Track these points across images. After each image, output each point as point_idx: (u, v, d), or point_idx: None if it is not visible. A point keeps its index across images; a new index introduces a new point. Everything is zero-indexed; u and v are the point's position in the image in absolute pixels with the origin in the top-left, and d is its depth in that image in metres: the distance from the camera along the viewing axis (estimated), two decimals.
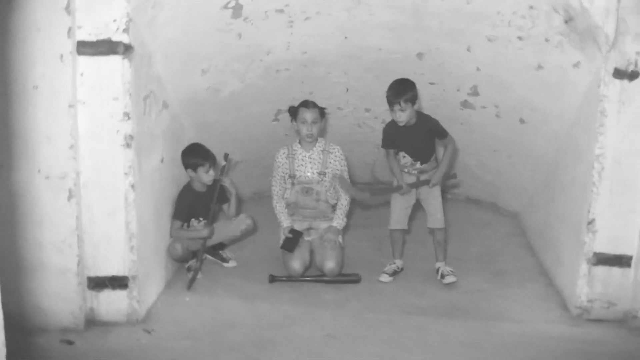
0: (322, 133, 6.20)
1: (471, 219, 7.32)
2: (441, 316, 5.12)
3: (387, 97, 5.43)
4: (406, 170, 5.78)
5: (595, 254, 4.89)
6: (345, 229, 6.38)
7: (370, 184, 5.68)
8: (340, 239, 5.97)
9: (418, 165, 5.72)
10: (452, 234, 6.51)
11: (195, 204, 5.68)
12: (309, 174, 5.92)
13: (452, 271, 5.80)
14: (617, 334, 4.81)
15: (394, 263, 5.96)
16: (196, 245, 5.67)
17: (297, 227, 5.98)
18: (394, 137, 5.66)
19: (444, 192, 6.05)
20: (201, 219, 5.73)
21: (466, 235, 6.82)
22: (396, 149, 5.73)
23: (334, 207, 6.02)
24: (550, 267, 5.86)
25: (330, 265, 5.72)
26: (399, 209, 5.84)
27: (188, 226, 5.72)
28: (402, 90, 5.39)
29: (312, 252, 5.97)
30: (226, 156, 5.84)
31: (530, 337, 4.77)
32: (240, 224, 5.88)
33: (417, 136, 5.60)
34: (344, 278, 5.74)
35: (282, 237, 5.92)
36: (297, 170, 5.90)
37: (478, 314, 5.17)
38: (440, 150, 5.86)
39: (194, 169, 5.61)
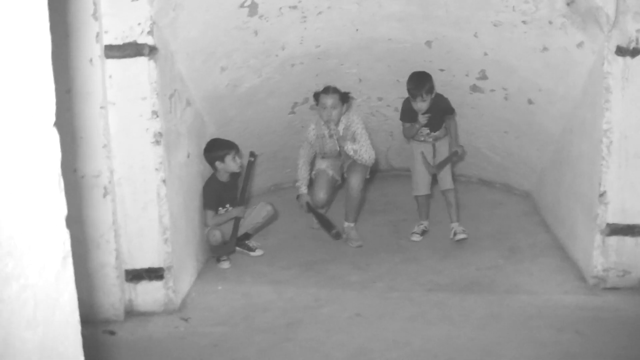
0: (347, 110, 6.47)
1: (484, 199, 7.47)
2: (460, 291, 5.31)
3: (409, 89, 5.95)
4: (422, 139, 6.31)
5: (608, 224, 5.03)
6: (365, 214, 6.92)
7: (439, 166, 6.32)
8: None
9: (432, 133, 6.25)
10: (465, 214, 6.69)
11: (221, 193, 5.94)
12: (337, 148, 6.35)
13: (464, 230, 6.27)
14: (631, 300, 4.97)
15: (422, 224, 6.49)
16: (229, 230, 5.93)
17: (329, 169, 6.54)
18: (412, 113, 6.13)
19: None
20: (227, 205, 5.99)
21: (479, 216, 6.96)
22: (413, 121, 6.20)
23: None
24: (564, 241, 6.01)
25: (354, 179, 6.29)
26: (420, 176, 6.37)
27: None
28: (422, 83, 5.92)
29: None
30: (252, 154, 6.21)
31: (546, 307, 4.96)
32: (261, 211, 6.15)
33: (432, 114, 6.09)
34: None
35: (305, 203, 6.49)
36: (327, 149, 6.39)
37: (495, 288, 5.36)
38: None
39: (222, 160, 5.86)
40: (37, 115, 1.76)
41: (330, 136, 6.26)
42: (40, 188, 1.80)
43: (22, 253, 1.73)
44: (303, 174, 6.47)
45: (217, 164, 5.88)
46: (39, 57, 1.78)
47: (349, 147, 6.17)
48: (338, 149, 6.32)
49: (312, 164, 6.57)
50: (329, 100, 6.09)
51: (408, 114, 6.19)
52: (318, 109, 6.23)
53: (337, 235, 6.35)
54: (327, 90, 6.14)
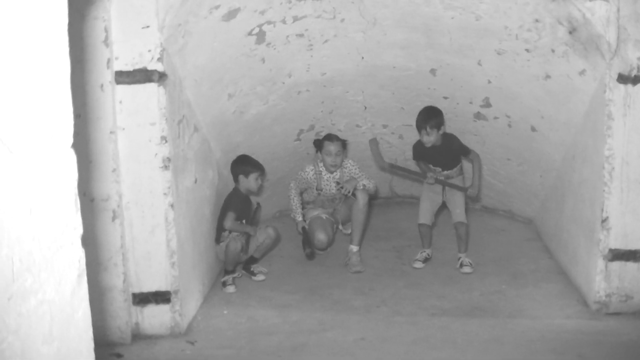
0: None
1: (486, 226, 7.51)
2: (463, 316, 5.35)
3: (416, 122, 6.09)
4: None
5: (610, 250, 5.07)
6: (369, 240, 6.99)
7: (396, 167, 6.73)
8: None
9: (443, 172, 6.37)
10: (469, 241, 6.72)
11: (241, 206, 6.12)
12: (333, 190, 6.62)
13: (470, 263, 6.31)
14: (634, 325, 5.00)
15: (424, 251, 6.53)
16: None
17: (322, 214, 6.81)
18: (423, 154, 6.33)
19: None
20: (243, 221, 6.15)
21: (483, 242, 7.01)
22: (425, 161, 6.42)
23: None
24: (567, 267, 6.04)
25: (360, 195, 6.42)
26: (426, 206, 6.49)
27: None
28: (428, 117, 6.03)
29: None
30: (257, 204, 6.55)
31: (548, 331, 5.00)
32: (262, 234, 6.21)
33: (443, 155, 6.27)
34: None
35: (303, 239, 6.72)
36: (323, 186, 6.61)
37: (498, 312, 5.40)
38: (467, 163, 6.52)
39: (247, 175, 6.10)
40: (56, 137, 1.82)
41: (340, 189, 6.52)
42: (58, 206, 1.85)
43: (40, 269, 1.77)
44: (296, 204, 6.69)
45: (241, 177, 6.12)
46: (59, 80, 1.84)
47: (360, 184, 6.45)
48: (334, 191, 6.67)
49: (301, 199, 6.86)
50: (334, 147, 6.42)
51: (417, 154, 6.43)
52: (321, 155, 6.53)
53: (310, 256, 6.61)
54: (331, 137, 6.48)
